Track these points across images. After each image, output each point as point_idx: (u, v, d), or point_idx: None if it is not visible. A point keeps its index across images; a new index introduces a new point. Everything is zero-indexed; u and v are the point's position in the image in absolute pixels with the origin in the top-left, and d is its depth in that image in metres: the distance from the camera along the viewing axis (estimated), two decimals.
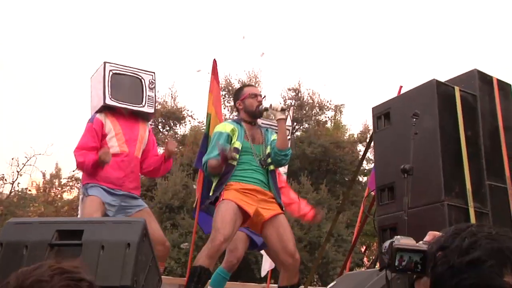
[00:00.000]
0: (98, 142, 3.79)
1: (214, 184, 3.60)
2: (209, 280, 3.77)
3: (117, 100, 3.90)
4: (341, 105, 22.37)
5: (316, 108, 22.32)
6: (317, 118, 22.49)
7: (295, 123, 22.24)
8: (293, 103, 22.19)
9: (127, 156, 3.84)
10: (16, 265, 2.37)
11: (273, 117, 3.82)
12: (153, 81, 4.09)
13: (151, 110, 4.05)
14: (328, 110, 22.60)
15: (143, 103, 4.00)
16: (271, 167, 3.67)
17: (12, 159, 17.43)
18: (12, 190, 17.90)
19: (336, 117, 22.94)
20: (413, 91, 4.22)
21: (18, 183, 17.98)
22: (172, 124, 22.43)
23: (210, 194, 3.61)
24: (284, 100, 22.34)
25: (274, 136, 3.76)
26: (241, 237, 4.16)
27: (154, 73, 4.15)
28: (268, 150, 3.68)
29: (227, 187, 3.49)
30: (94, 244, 2.33)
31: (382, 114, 4.35)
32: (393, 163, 3.98)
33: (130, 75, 4.07)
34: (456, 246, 0.89)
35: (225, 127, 3.69)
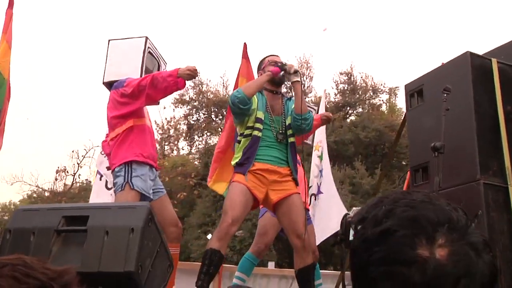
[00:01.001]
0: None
1: (239, 157, 3.45)
2: (236, 266, 3.73)
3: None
4: (396, 87, 21.78)
5: (370, 91, 21.85)
6: (371, 101, 22.01)
7: (348, 108, 21.90)
8: (346, 87, 21.86)
9: (150, 128, 3.79)
10: (24, 251, 2.40)
11: (287, 80, 3.66)
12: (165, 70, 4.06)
13: None
14: (382, 93, 22.08)
15: None
16: (291, 139, 3.56)
17: (73, 151, 18.06)
18: (74, 182, 18.59)
19: (391, 100, 22.37)
20: (447, 65, 4.00)
21: (79, 174, 18.66)
22: (224, 112, 22.57)
23: (233, 163, 3.48)
24: (336, 85, 22.02)
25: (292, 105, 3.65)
26: (272, 222, 4.07)
27: (166, 63, 4.12)
28: (288, 121, 3.57)
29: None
30: (99, 229, 2.33)
31: (414, 91, 4.15)
32: (427, 142, 3.76)
33: (155, 58, 4.03)
34: (372, 216, 0.78)
35: None
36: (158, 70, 3.97)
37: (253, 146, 3.44)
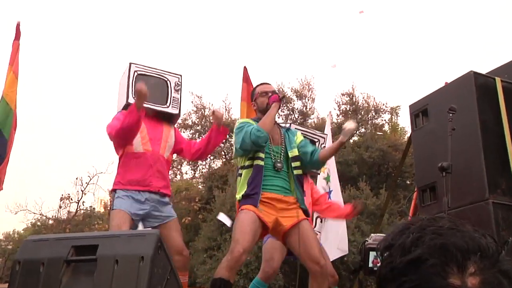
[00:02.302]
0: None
1: (245, 189, 3.40)
2: None
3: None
4: (397, 106, 21.82)
5: (372, 111, 21.86)
6: (373, 121, 22.02)
7: None
8: (348, 108, 21.89)
9: (152, 154, 3.79)
10: (34, 282, 2.39)
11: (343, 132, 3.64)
12: (179, 83, 4.07)
13: (176, 111, 3.99)
14: (384, 113, 22.08)
15: (168, 104, 3.97)
16: (297, 171, 3.52)
17: (76, 178, 18.01)
18: (78, 209, 18.52)
19: (393, 120, 22.38)
20: (451, 85, 4.02)
21: (83, 201, 18.59)
22: (228, 137, 22.60)
23: (239, 197, 3.43)
24: (338, 106, 22.07)
25: (299, 138, 3.65)
26: (276, 247, 4.04)
27: (180, 75, 4.11)
28: (293, 153, 3.55)
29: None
30: (108, 258, 2.31)
31: (419, 111, 4.17)
32: (433, 162, 3.77)
33: (155, 77, 4.05)
34: (400, 244, 0.77)
35: (249, 121, 3.59)
36: (167, 86, 4.01)
37: (257, 175, 3.39)
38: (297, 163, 3.54)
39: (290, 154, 3.54)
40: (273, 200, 3.38)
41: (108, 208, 3.97)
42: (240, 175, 3.48)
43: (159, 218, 3.74)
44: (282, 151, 3.55)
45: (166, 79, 4.05)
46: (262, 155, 3.44)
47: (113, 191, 3.76)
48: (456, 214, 3.46)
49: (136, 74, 3.94)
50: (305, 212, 3.45)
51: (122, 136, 3.67)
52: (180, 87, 4.05)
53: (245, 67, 5.32)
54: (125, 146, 3.77)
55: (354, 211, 4.29)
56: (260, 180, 3.38)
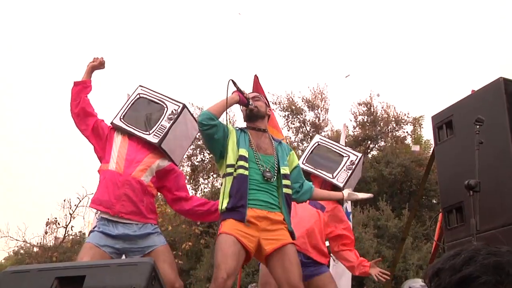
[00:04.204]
0: (95, 115, 4.08)
1: (227, 200, 3.46)
2: None
3: (127, 123, 4.09)
4: (420, 117, 21.75)
5: (392, 123, 21.80)
6: (394, 134, 21.96)
7: (368, 141, 21.88)
8: (365, 119, 21.88)
9: (121, 176, 3.85)
10: None
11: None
12: (175, 112, 4.14)
13: (155, 140, 4.04)
14: (406, 124, 22.02)
15: (151, 132, 4.07)
16: (286, 190, 3.59)
17: (64, 200, 18.00)
18: (66, 234, 18.51)
19: (416, 131, 22.30)
20: (478, 93, 4.01)
21: (72, 226, 18.57)
22: None
23: (223, 208, 3.48)
24: (355, 117, 22.05)
25: (293, 161, 3.80)
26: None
27: (183, 104, 4.20)
28: (285, 170, 3.63)
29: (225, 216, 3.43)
30: None
31: (443, 123, 4.16)
32: (460, 179, 3.74)
33: (155, 102, 4.21)
34: (450, 265, 0.77)
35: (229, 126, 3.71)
36: (164, 112, 4.15)
37: (242, 186, 3.44)
38: (288, 182, 3.62)
39: (282, 171, 3.61)
40: (256, 218, 3.42)
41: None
42: (222, 184, 3.55)
43: (138, 250, 3.81)
44: (275, 163, 3.63)
45: (164, 106, 4.17)
46: (244, 163, 3.50)
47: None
48: (486, 238, 3.43)
49: (138, 96, 4.23)
50: (292, 234, 3.53)
51: (74, 109, 4.03)
52: (174, 116, 4.13)
53: (256, 75, 5.32)
54: (100, 157, 4.05)
55: (372, 271, 4.49)
56: (245, 192, 3.43)
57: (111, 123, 4.10)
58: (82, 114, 4.03)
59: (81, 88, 4.04)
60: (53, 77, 36.56)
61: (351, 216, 6.24)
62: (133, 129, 4.06)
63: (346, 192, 3.95)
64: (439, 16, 36.56)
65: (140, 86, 4.27)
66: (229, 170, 3.49)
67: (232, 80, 3.62)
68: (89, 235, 3.87)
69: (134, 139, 4.06)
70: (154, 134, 4.04)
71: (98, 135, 4.05)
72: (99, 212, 3.88)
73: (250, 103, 3.69)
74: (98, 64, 4.17)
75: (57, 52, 37.77)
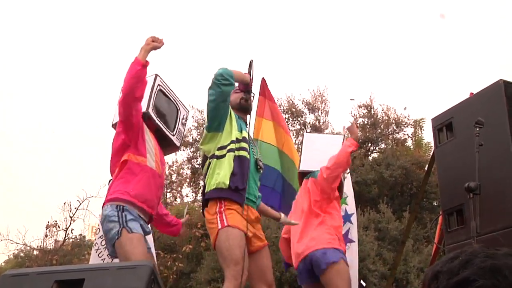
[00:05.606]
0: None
1: (228, 177, 3.37)
2: None
3: (157, 116, 3.83)
4: (421, 119, 21.74)
5: (393, 125, 21.81)
6: (394, 136, 21.96)
7: (369, 144, 21.89)
8: (366, 122, 21.88)
9: (160, 178, 3.73)
10: None
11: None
12: (186, 118, 4.12)
13: (178, 143, 4.01)
14: (407, 126, 22.02)
15: (174, 133, 3.99)
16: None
17: (64, 203, 17.98)
18: (66, 237, 18.49)
19: (417, 134, 22.30)
20: (478, 95, 4.02)
21: (72, 229, 18.55)
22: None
23: (225, 184, 3.37)
24: (355, 119, 22.05)
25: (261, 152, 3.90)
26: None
27: (188, 111, 4.20)
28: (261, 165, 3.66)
29: (229, 205, 3.37)
30: None
31: (443, 125, 4.17)
32: (460, 182, 3.75)
33: (171, 100, 4.04)
34: (448, 268, 0.77)
35: None
36: (177, 115, 4.01)
37: (244, 169, 3.41)
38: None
39: (259, 164, 3.64)
40: (249, 214, 3.48)
41: (111, 224, 3.63)
42: (219, 157, 3.43)
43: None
44: (259, 153, 3.69)
45: (177, 108, 4.06)
46: (246, 145, 3.49)
47: (117, 204, 3.44)
48: (486, 240, 3.43)
49: (159, 87, 3.89)
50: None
51: (138, 92, 3.50)
52: (186, 121, 4.10)
53: (263, 78, 5.18)
54: (134, 140, 3.58)
55: None
56: (246, 175, 3.41)
57: (145, 112, 3.71)
58: (140, 98, 3.59)
59: (145, 71, 3.56)
60: (53, 77, 36.58)
61: (352, 218, 6.14)
62: (162, 125, 3.85)
63: (282, 216, 3.94)
64: (439, 17, 36.54)
65: (157, 75, 3.91)
66: (232, 146, 3.42)
67: (252, 62, 3.65)
68: (124, 223, 3.35)
69: (155, 133, 3.82)
70: (176, 137, 4.00)
71: (138, 121, 3.62)
72: (129, 207, 3.45)
73: (252, 92, 3.73)
74: (160, 46, 3.62)
75: (57, 53, 37.78)
